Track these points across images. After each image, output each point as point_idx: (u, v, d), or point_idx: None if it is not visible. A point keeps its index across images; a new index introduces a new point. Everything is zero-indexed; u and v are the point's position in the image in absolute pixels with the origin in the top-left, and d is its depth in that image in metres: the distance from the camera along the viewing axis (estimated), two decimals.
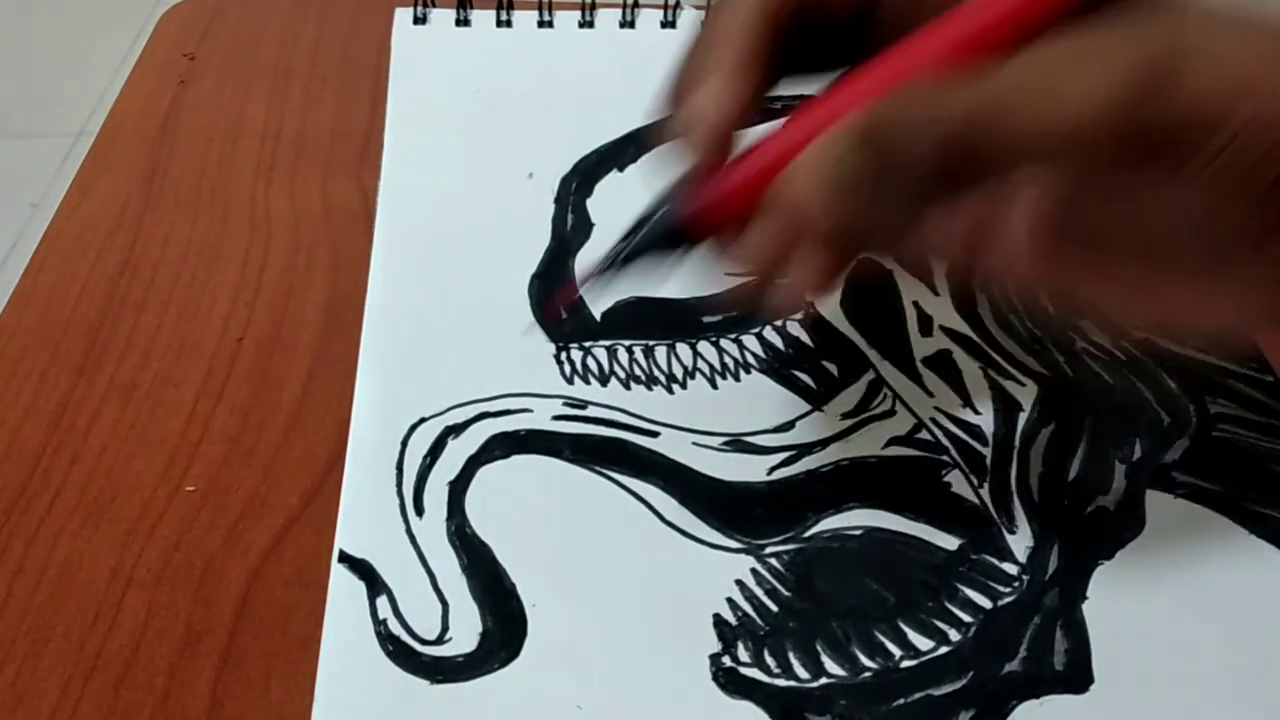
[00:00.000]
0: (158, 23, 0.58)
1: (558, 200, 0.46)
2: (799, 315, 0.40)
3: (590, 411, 0.37)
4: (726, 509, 0.34)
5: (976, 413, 0.38)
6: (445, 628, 0.31)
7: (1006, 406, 0.38)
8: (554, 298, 0.37)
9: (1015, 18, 0.27)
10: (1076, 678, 0.30)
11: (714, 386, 0.38)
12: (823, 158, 0.27)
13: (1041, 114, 0.25)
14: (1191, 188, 0.25)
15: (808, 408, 0.38)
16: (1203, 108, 0.25)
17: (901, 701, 0.30)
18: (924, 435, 0.37)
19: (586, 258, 0.43)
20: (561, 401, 0.37)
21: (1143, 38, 0.25)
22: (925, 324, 0.41)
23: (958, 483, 0.35)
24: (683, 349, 0.40)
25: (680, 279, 0.41)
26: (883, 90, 0.27)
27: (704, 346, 0.40)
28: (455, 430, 0.36)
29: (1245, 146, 0.25)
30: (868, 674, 0.30)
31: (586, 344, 0.39)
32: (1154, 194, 0.26)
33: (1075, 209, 0.28)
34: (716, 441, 0.36)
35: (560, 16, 0.56)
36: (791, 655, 0.31)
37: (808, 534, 0.34)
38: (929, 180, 0.26)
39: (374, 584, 0.32)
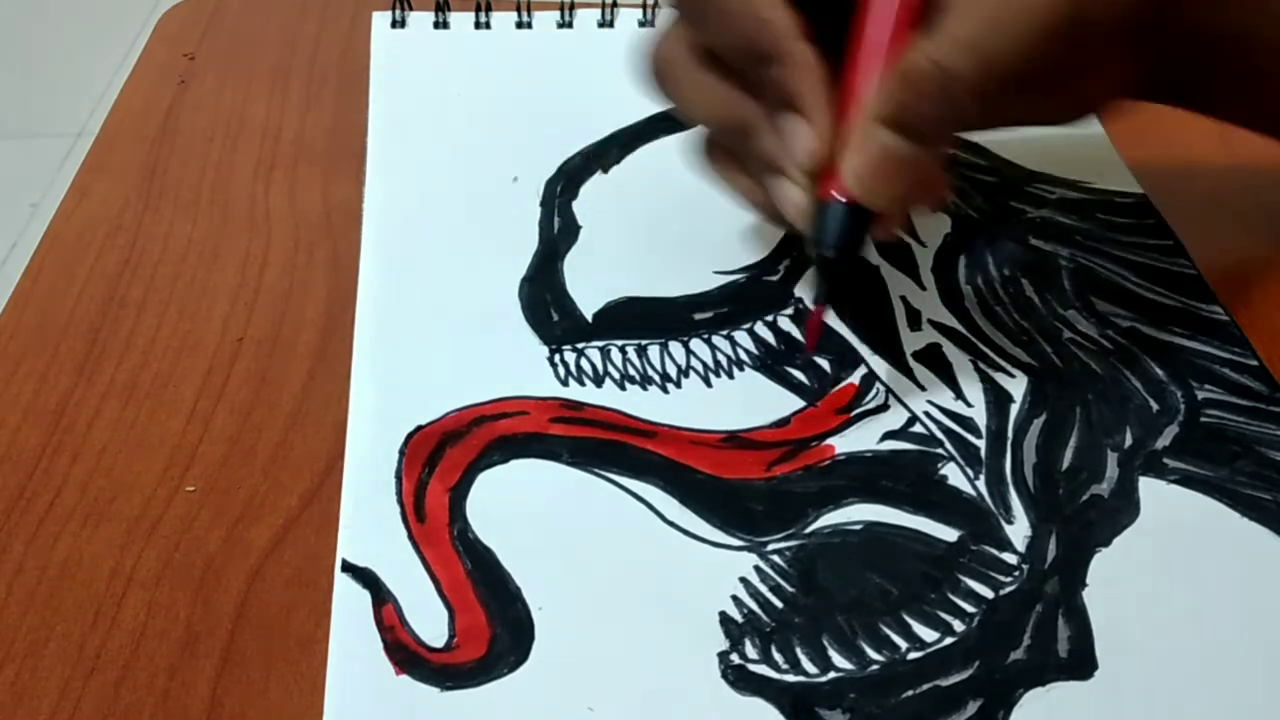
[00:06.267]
0: (158, 23, 0.56)
1: (543, 203, 0.43)
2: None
3: (587, 414, 0.35)
4: (726, 507, 0.32)
5: (969, 405, 0.36)
6: (453, 634, 0.29)
7: (998, 398, 0.36)
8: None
9: None
10: (1081, 664, 0.29)
11: (708, 384, 0.36)
12: (862, 155, 0.33)
13: (1003, 43, 0.32)
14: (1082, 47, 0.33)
15: (802, 404, 0.36)
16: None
17: (910, 693, 0.28)
18: (918, 429, 0.35)
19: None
20: (558, 404, 0.35)
21: None
22: (914, 318, 0.39)
23: (954, 475, 0.34)
24: (676, 348, 0.37)
25: (671, 277, 0.40)
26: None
27: (697, 344, 0.38)
28: (453, 437, 0.34)
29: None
30: (875, 667, 0.29)
31: (580, 345, 0.37)
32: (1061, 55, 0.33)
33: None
34: (713, 440, 0.34)
35: (539, 17, 0.54)
36: (799, 650, 0.29)
37: (808, 530, 0.32)
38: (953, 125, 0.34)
39: (379, 593, 0.30)
